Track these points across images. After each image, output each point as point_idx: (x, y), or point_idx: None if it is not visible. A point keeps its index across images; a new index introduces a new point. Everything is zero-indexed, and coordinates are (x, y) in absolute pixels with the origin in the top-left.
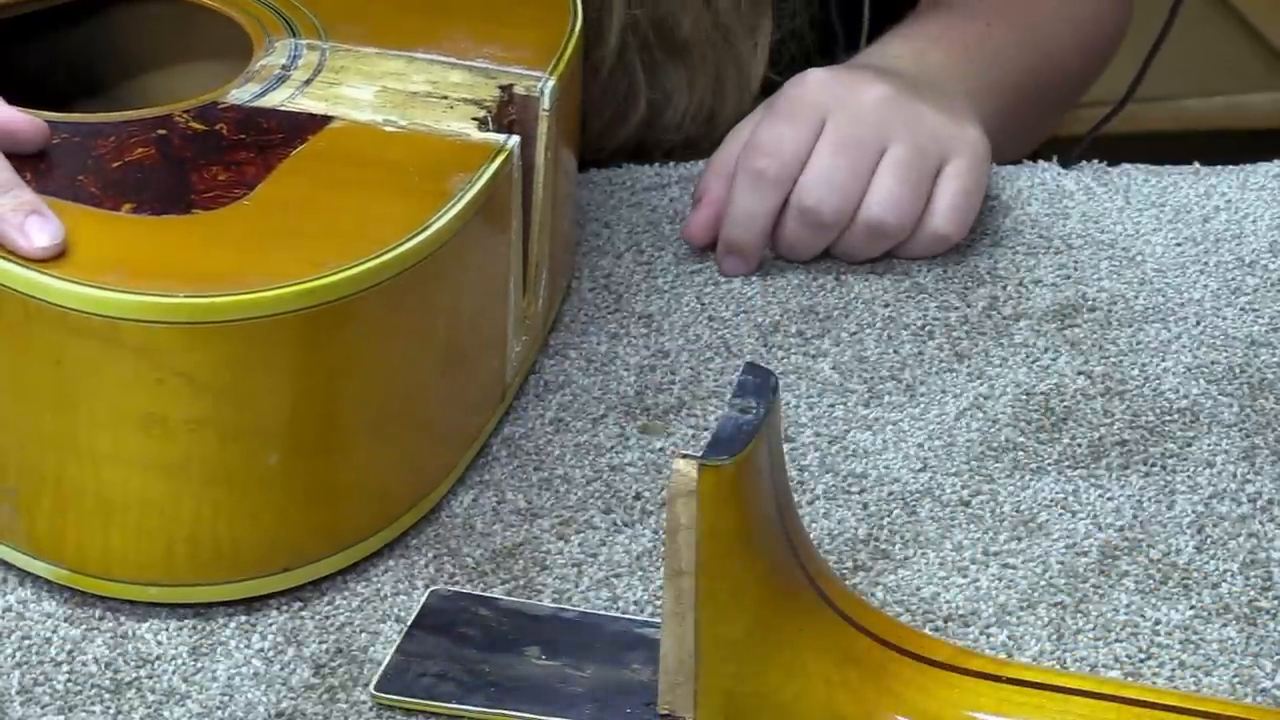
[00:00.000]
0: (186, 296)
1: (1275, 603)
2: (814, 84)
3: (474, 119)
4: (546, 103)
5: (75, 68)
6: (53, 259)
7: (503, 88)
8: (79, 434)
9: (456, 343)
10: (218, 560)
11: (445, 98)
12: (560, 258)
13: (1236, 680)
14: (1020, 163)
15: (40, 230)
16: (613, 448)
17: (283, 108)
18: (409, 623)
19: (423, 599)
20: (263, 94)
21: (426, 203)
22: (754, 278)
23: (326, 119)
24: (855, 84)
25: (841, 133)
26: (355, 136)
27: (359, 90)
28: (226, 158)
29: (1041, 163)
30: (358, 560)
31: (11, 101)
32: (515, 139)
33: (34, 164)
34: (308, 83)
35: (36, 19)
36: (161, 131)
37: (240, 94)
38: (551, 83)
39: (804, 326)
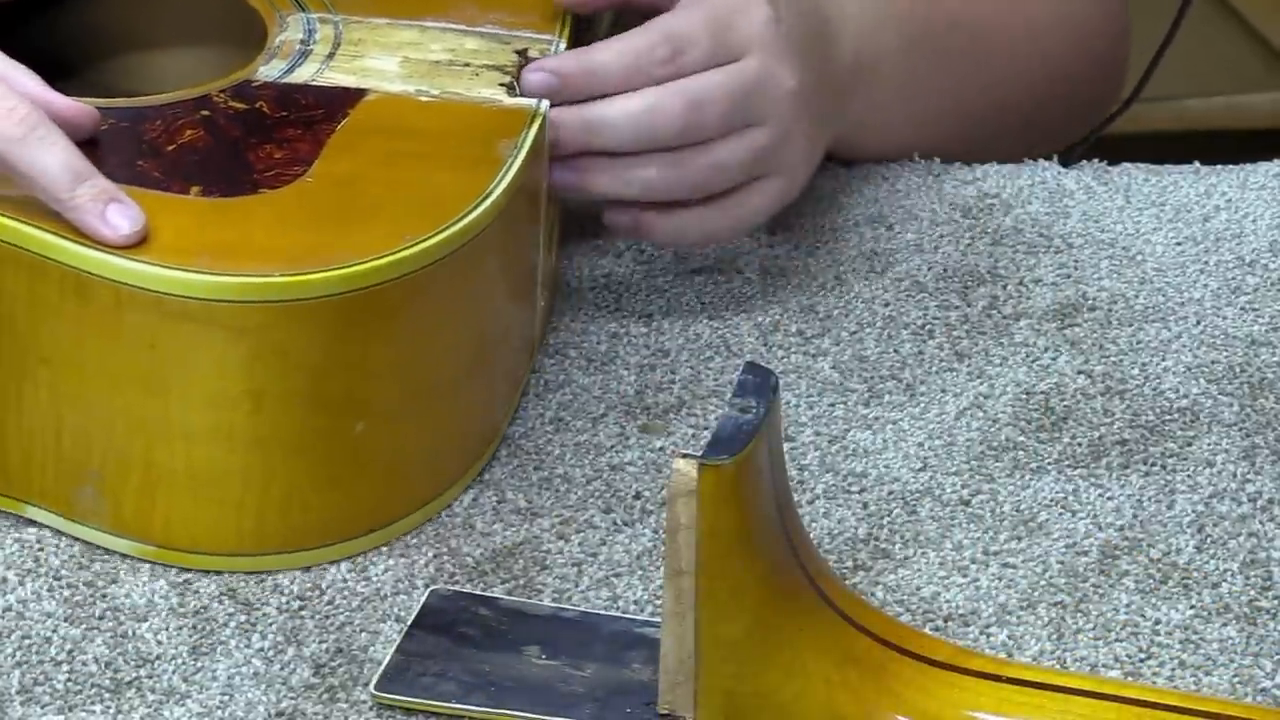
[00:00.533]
0: (282, 275)
1: (1275, 603)
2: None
3: (501, 84)
4: None
5: (50, 50)
6: (135, 245)
7: (519, 52)
8: (171, 414)
9: (510, 300)
10: (307, 528)
11: (468, 65)
12: (559, 217)
13: (1236, 680)
14: (1021, 162)
15: (122, 217)
16: (613, 447)
17: (315, 83)
18: (409, 622)
19: (423, 599)
20: (290, 70)
21: (482, 170)
22: (753, 277)
23: (361, 92)
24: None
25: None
26: (393, 108)
27: (382, 62)
28: (276, 135)
29: (1041, 162)
30: (436, 514)
31: None
32: (545, 102)
33: (90, 151)
34: (330, 57)
35: (9, 2)
36: (205, 112)
37: (269, 71)
38: (563, 45)
39: (804, 326)
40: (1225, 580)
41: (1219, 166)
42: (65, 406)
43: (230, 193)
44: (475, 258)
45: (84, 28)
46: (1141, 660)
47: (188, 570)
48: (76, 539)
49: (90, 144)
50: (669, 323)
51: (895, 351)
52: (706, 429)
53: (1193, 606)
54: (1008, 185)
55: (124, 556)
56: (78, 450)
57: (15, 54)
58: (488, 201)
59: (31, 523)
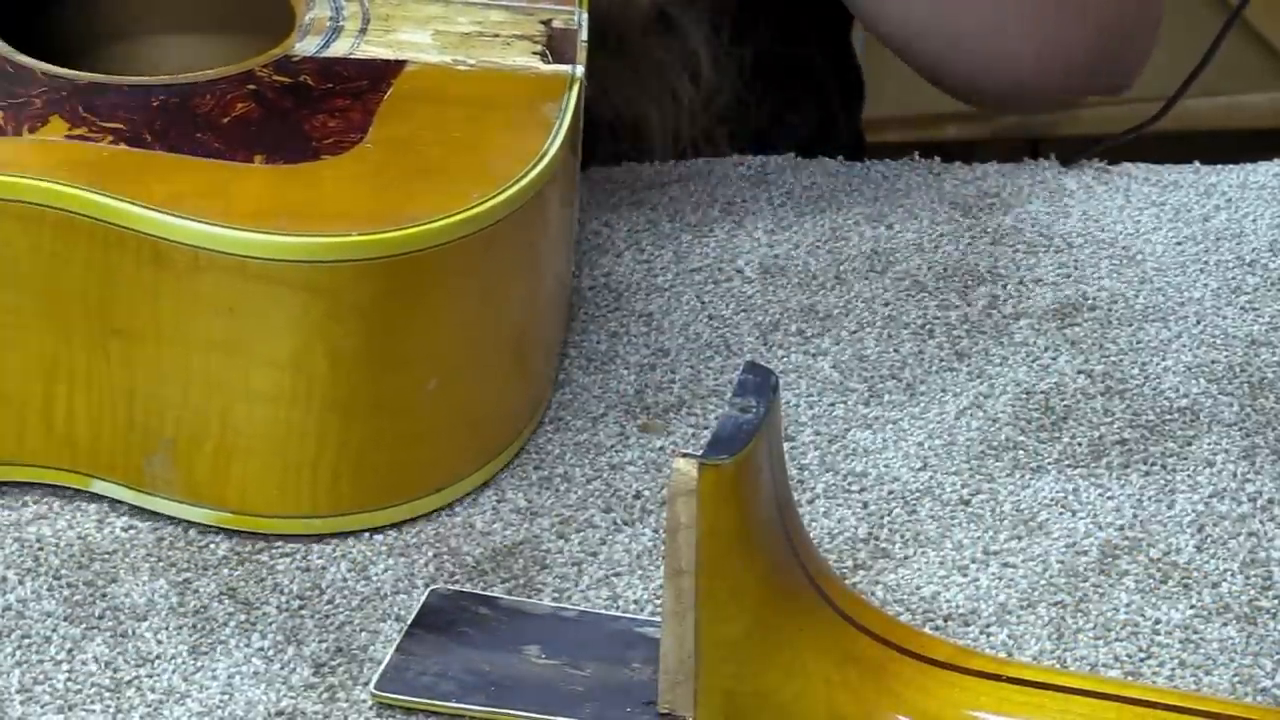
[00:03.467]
0: (358, 234)
1: (1275, 602)
2: None
3: (534, 53)
4: (584, 33)
5: (44, 39)
6: None
7: (544, 22)
8: (249, 377)
9: (560, 256)
10: (379, 486)
11: (497, 35)
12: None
13: (1236, 680)
14: (1021, 161)
15: None
16: (613, 446)
17: (353, 56)
18: (409, 622)
19: (423, 598)
20: (326, 45)
21: (533, 132)
22: (753, 277)
23: (401, 63)
24: None
25: None
26: (434, 77)
27: (415, 35)
28: (326, 106)
29: (1042, 161)
30: (495, 473)
31: None
32: (580, 67)
33: (150, 124)
34: (363, 32)
35: None
36: (252, 87)
37: (305, 46)
38: (584, 14)
39: (804, 325)
40: (1225, 580)
41: (1219, 166)
42: (139, 375)
43: (294, 160)
44: (534, 215)
45: (89, 13)
46: (1141, 660)
47: (241, 534)
48: (145, 510)
49: (150, 116)
50: (669, 323)
51: (895, 351)
52: (706, 429)
53: (1193, 606)
54: (1008, 185)
55: (123, 554)
56: (150, 419)
57: (18, 39)
58: (544, 160)
59: (31, 522)
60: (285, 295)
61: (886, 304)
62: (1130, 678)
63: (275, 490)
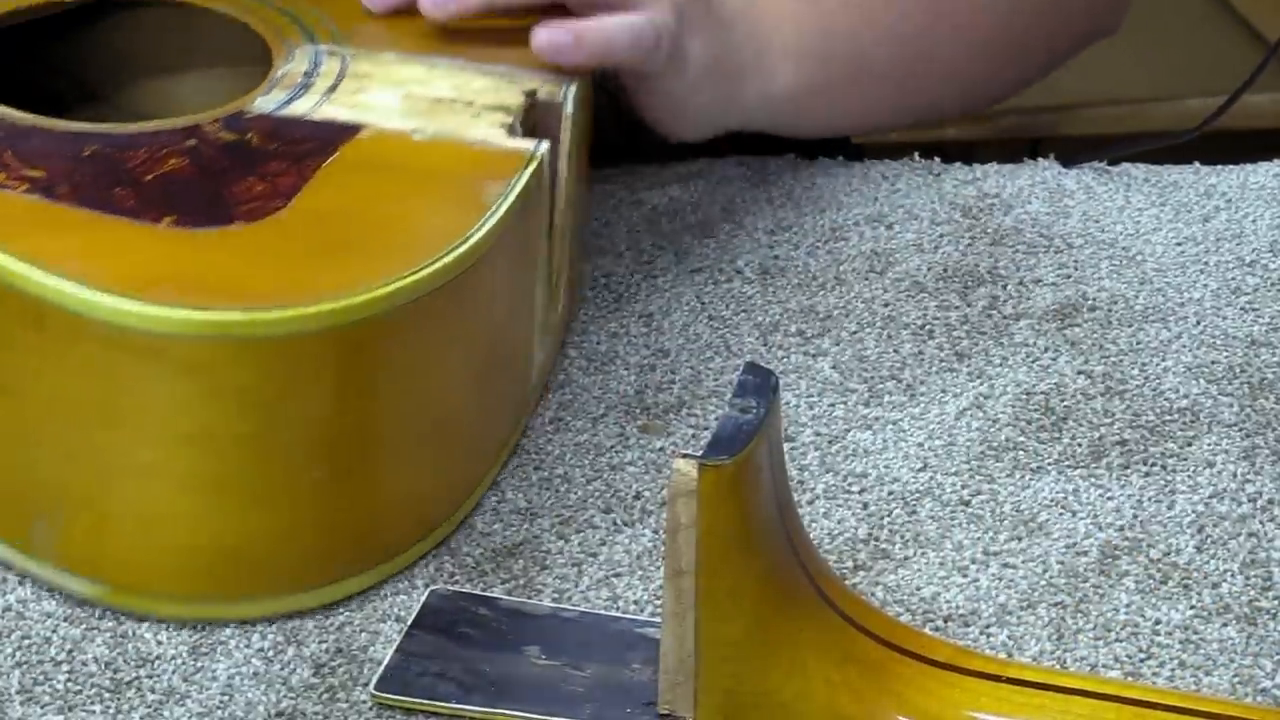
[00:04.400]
0: (241, 312)
1: (1275, 603)
2: None
3: (502, 125)
4: (569, 107)
5: (75, 74)
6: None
7: (527, 93)
8: (125, 450)
9: (490, 352)
10: (258, 575)
11: (471, 104)
12: (577, 265)
13: (1236, 680)
14: (1021, 161)
15: None
16: (613, 447)
17: (310, 116)
18: (409, 622)
19: (423, 599)
20: (289, 102)
21: (464, 213)
22: (753, 277)
23: (356, 128)
24: None
25: None
26: (385, 145)
27: (384, 97)
28: (260, 169)
29: (1041, 161)
30: (395, 573)
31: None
32: (545, 144)
33: (70, 175)
34: (332, 90)
35: (37, 26)
36: (192, 142)
37: (266, 102)
38: (574, 88)
39: (804, 326)
40: (1225, 580)
41: (1219, 166)
42: (23, 437)
43: (203, 224)
44: (449, 305)
45: (111, 51)
46: (1141, 660)
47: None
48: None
49: (70, 169)
50: (669, 323)
51: (895, 351)
52: (706, 429)
53: (1193, 606)
54: (1008, 185)
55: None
56: (33, 484)
57: (39, 75)
58: (463, 247)
59: None
60: (159, 368)
61: (886, 304)
62: (1130, 678)
63: (150, 570)
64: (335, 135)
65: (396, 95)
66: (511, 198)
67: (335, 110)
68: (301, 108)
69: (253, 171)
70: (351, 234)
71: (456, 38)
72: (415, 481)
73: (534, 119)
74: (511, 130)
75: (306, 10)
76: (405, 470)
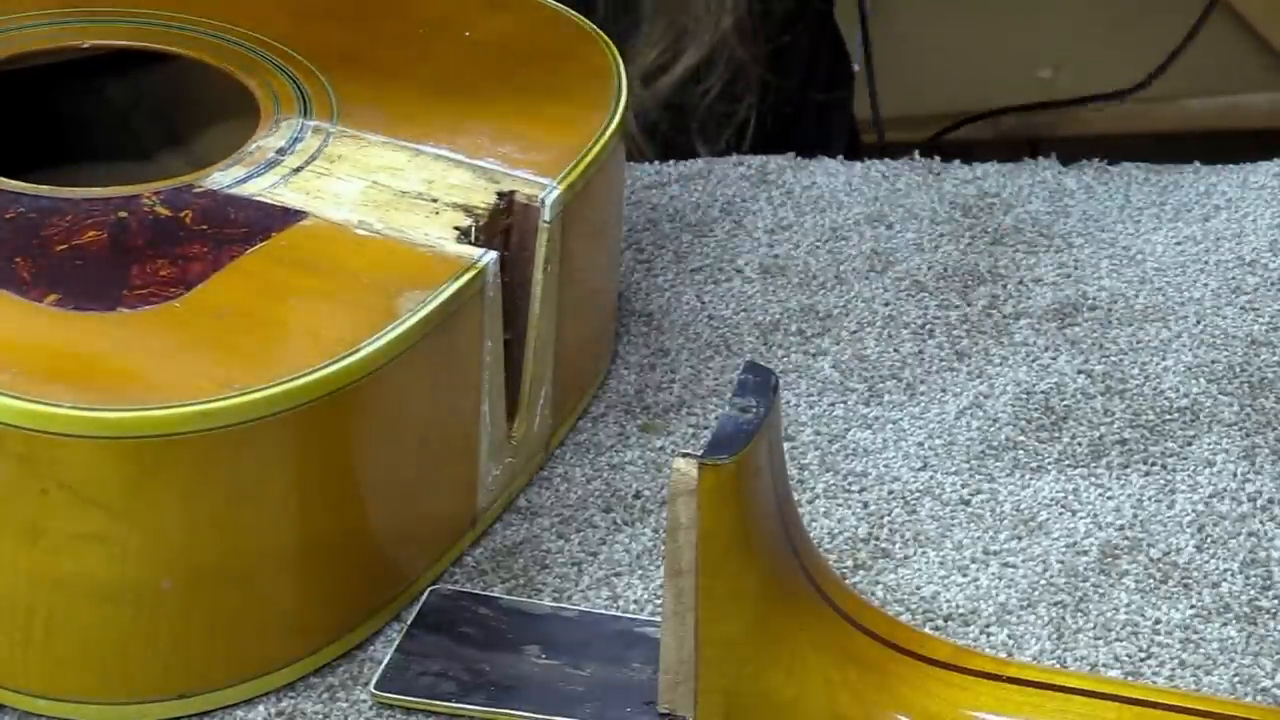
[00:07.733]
0: (72, 408)
1: (1275, 602)
2: None
3: (456, 228)
4: (548, 214)
5: (163, 116)
6: None
7: (501, 194)
8: None
9: (397, 474)
10: (107, 680)
11: (434, 200)
12: (575, 371)
13: (1236, 680)
14: (1021, 161)
15: None
16: (612, 446)
17: (258, 198)
18: (409, 622)
19: (423, 598)
20: (245, 180)
21: (367, 321)
22: (754, 277)
23: (299, 215)
24: None
25: None
26: (320, 238)
27: (347, 185)
28: (177, 250)
29: (1042, 161)
30: (274, 688)
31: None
32: (491, 256)
33: None
34: (297, 171)
35: (96, 64)
36: (123, 214)
37: (222, 178)
38: (556, 193)
39: (804, 325)
40: (1225, 580)
41: (1219, 166)
42: None
43: (86, 306)
44: (328, 419)
45: (188, 95)
46: (1141, 660)
47: None
48: None
49: None
50: (669, 323)
51: (895, 351)
52: (706, 429)
53: (1193, 606)
54: (1008, 185)
55: None
56: None
57: (58, 123)
58: (346, 361)
59: None
60: (8, 462)
61: (886, 304)
62: (1130, 678)
63: (18, 665)
64: (273, 222)
65: (361, 184)
66: (427, 310)
67: (288, 194)
68: (255, 187)
69: (168, 253)
70: (234, 334)
71: (459, 124)
72: (288, 600)
73: (506, 223)
74: (464, 235)
75: (317, 81)
76: (274, 588)
